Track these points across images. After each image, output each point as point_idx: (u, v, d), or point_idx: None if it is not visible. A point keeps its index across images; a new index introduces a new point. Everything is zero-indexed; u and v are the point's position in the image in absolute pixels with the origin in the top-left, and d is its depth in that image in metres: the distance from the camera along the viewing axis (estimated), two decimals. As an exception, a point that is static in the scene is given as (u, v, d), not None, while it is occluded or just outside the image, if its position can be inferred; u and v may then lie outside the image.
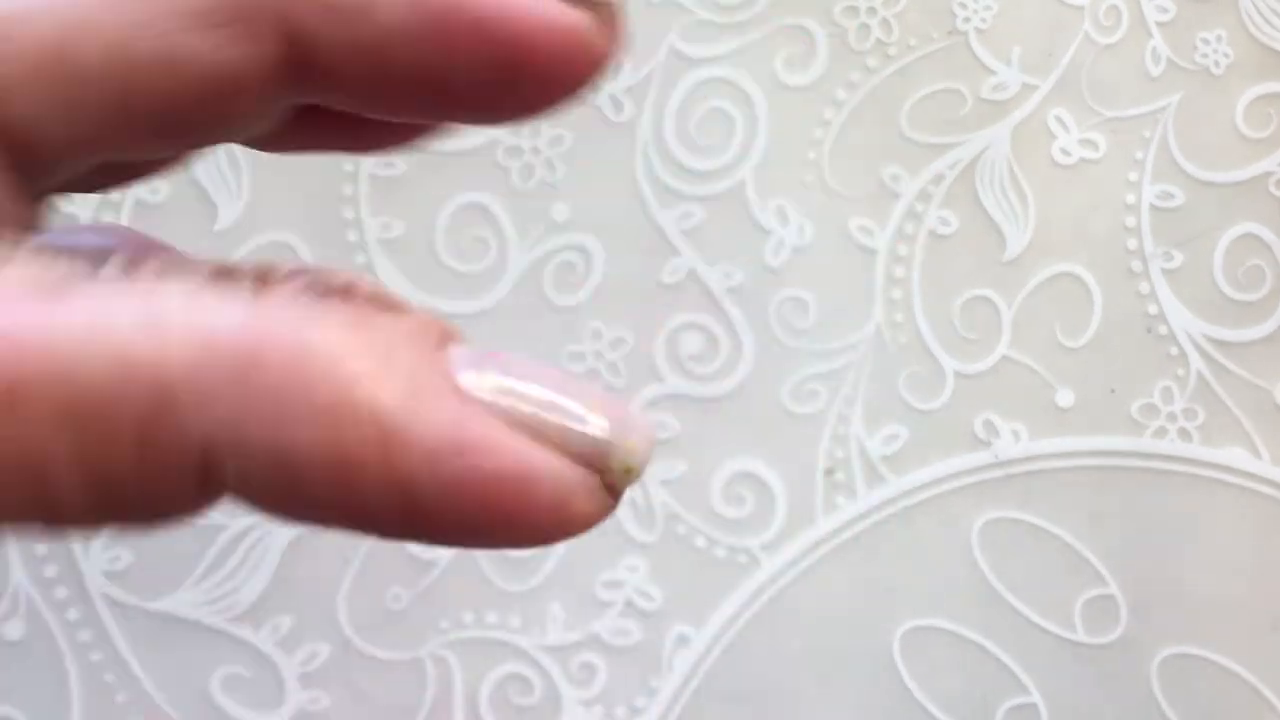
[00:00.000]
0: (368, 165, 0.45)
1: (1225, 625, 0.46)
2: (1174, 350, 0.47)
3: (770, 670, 0.45)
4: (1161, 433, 0.47)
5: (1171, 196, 0.47)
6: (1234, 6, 0.48)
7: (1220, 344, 0.47)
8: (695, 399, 0.46)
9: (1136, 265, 0.47)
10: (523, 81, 0.14)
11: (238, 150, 0.44)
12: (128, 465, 0.12)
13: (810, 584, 0.46)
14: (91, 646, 0.43)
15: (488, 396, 0.13)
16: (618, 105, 0.46)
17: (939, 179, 0.46)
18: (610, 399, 0.13)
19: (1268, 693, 0.46)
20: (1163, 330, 0.47)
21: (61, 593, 0.43)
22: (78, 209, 0.43)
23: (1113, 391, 0.47)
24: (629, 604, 0.45)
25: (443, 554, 0.44)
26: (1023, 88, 0.47)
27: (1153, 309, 0.47)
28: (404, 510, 0.12)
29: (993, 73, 0.47)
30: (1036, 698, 0.46)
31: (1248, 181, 0.47)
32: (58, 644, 0.43)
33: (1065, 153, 0.47)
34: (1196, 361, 0.47)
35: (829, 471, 0.46)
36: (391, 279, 0.45)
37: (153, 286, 0.12)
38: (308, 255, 0.45)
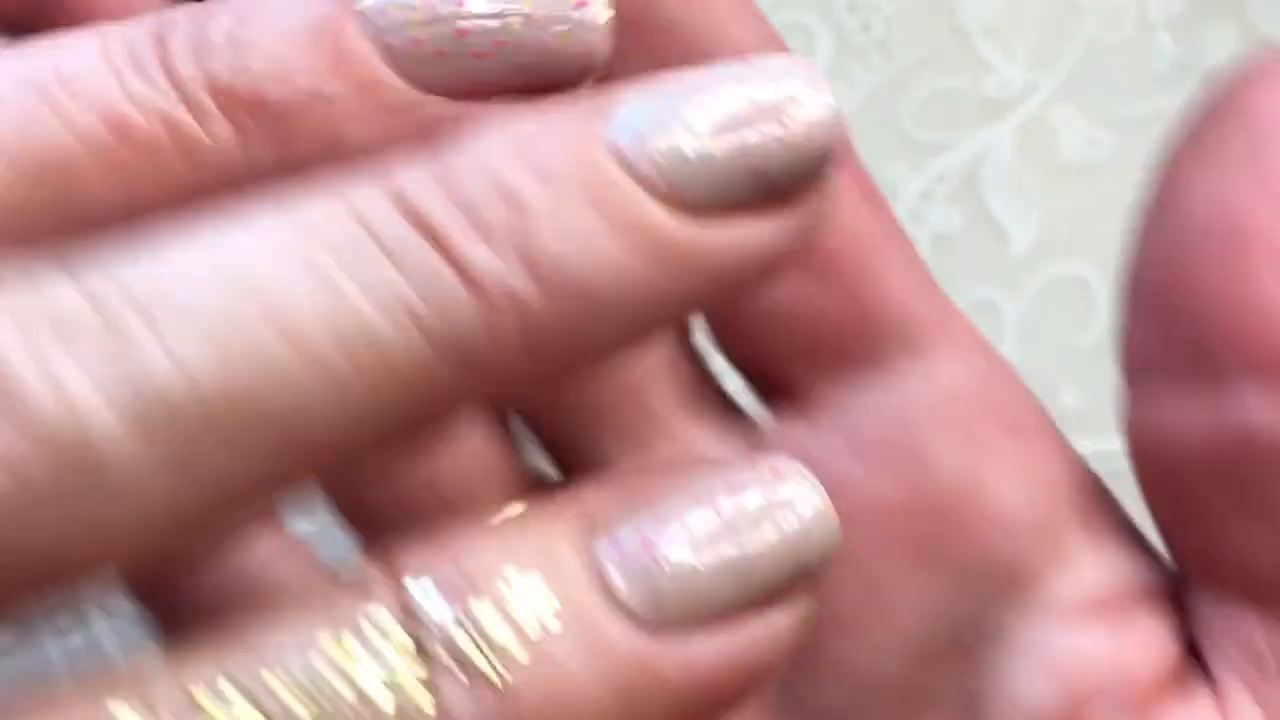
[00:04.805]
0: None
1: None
2: (1183, 352, 0.46)
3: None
4: (1171, 436, 0.46)
5: (1180, 196, 0.47)
6: (1242, 4, 0.47)
7: (1231, 346, 0.46)
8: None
9: (1144, 265, 0.46)
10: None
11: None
12: None
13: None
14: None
15: None
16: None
17: (942, 178, 0.46)
18: None
19: None
20: (1171, 331, 0.46)
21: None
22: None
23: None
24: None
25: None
26: (1027, 85, 0.47)
27: (1161, 310, 0.46)
28: None
29: (997, 70, 0.47)
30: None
31: (1258, 181, 0.47)
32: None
33: (1071, 151, 0.47)
34: (1206, 363, 0.46)
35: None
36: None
37: None
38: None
